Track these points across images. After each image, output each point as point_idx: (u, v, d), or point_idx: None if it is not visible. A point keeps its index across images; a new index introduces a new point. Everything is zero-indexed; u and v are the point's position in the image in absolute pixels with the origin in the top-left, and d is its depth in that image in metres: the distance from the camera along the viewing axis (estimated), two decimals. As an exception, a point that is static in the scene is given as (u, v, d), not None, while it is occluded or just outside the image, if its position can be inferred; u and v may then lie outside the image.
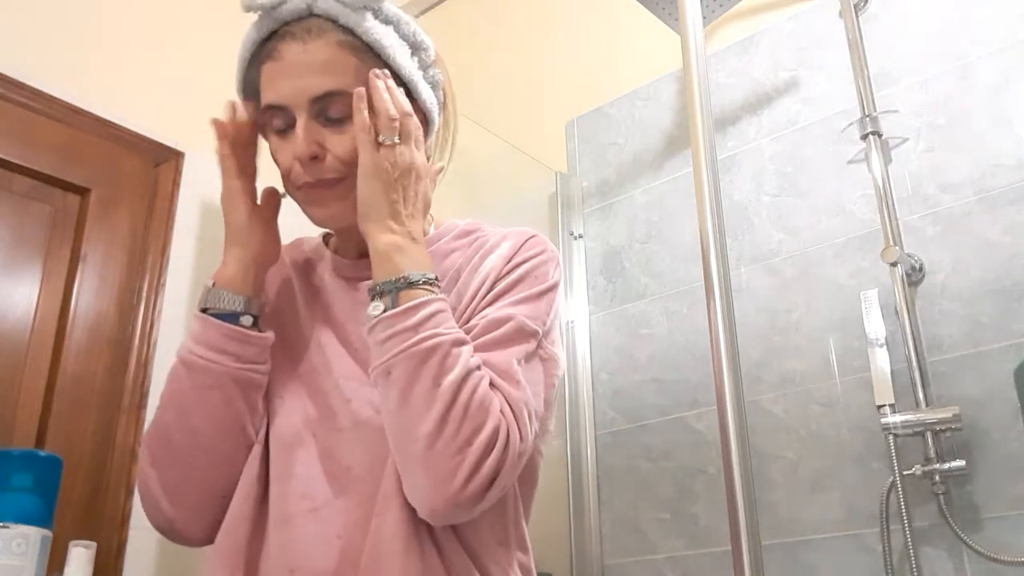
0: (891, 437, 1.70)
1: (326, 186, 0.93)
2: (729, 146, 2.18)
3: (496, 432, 0.81)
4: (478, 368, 0.84)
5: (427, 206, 0.97)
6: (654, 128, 2.36)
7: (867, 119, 1.93)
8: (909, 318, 1.77)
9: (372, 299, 0.86)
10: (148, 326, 1.91)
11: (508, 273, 0.95)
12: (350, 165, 0.91)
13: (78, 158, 1.90)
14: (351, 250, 1.03)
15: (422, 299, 0.84)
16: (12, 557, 1.08)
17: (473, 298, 0.93)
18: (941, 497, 1.65)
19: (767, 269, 2.04)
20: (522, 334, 0.90)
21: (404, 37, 0.98)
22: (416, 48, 0.99)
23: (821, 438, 1.85)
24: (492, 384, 0.84)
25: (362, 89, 0.90)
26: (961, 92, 1.88)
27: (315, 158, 0.91)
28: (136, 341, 1.88)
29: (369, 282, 0.88)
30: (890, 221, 1.85)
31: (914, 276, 1.82)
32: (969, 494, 1.65)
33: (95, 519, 1.72)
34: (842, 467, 1.81)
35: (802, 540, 1.81)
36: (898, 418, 1.68)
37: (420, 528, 0.84)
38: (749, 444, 1.36)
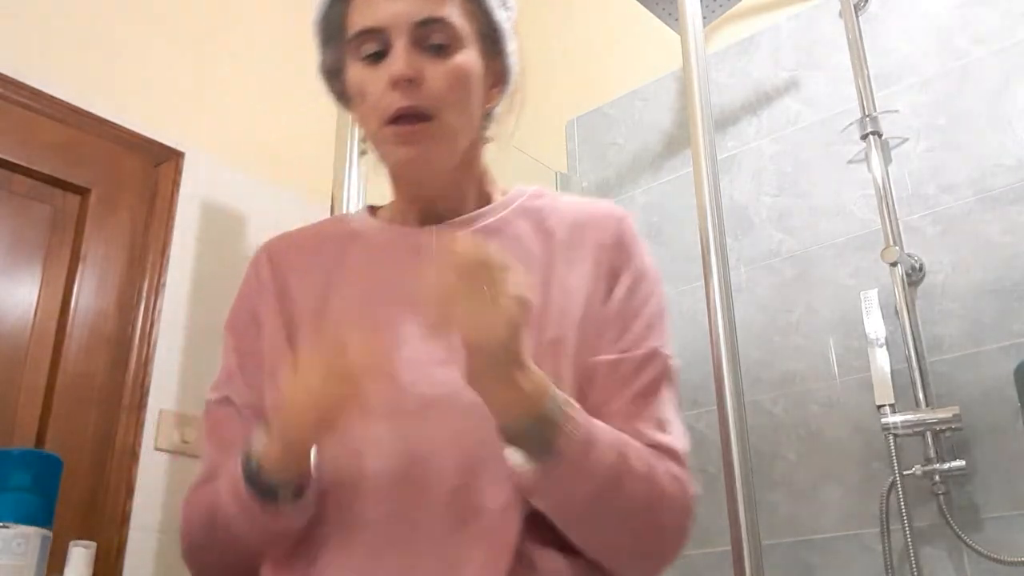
0: (891, 437, 1.70)
1: (417, 119, 0.86)
2: (729, 146, 2.18)
3: (684, 511, 0.83)
4: (648, 468, 0.81)
5: None
6: (654, 128, 2.36)
7: (867, 119, 1.93)
8: (909, 318, 1.77)
9: (516, 446, 0.77)
10: (148, 326, 1.91)
11: (626, 266, 0.92)
12: (445, 101, 0.87)
13: (78, 158, 1.90)
14: (412, 217, 0.96)
15: (577, 439, 0.76)
16: (12, 557, 1.08)
17: (597, 297, 0.89)
18: (941, 497, 1.65)
19: (767, 269, 2.04)
20: (667, 372, 0.88)
21: None
22: (504, 5, 0.96)
23: (821, 438, 1.85)
24: (655, 446, 0.83)
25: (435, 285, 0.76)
26: (961, 92, 1.88)
27: (412, 81, 0.85)
28: (136, 341, 1.89)
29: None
30: (890, 221, 1.85)
31: (914, 276, 1.82)
32: (969, 494, 1.65)
33: (95, 519, 1.72)
34: (842, 467, 1.80)
35: (802, 540, 1.81)
36: (898, 418, 1.68)
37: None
38: (749, 444, 1.36)
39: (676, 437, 0.86)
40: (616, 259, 0.92)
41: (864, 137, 1.93)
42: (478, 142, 0.97)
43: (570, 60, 2.58)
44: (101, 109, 1.95)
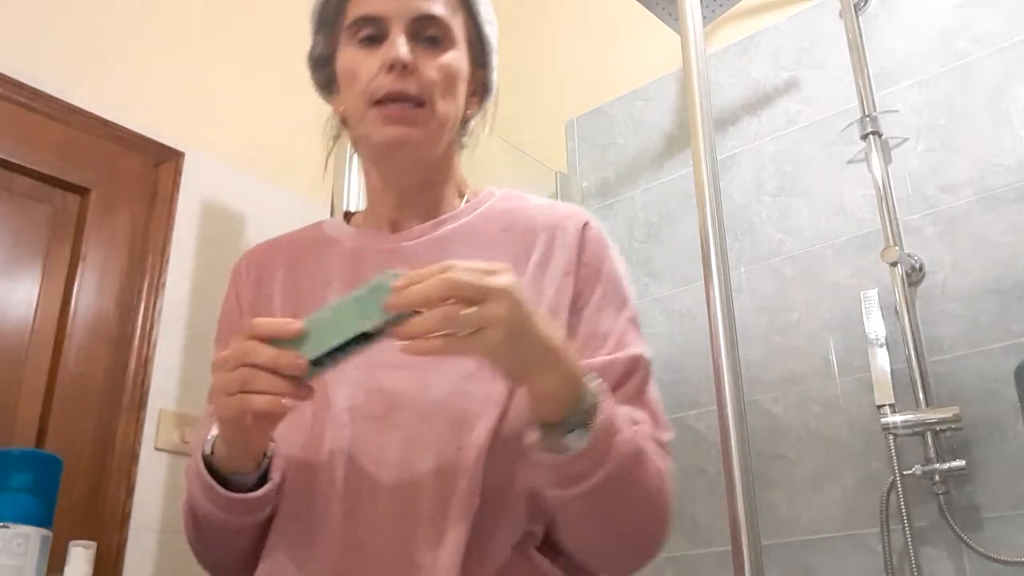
0: (891, 437, 1.70)
1: (407, 102, 0.89)
2: (729, 146, 2.18)
3: (672, 503, 0.84)
4: (651, 452, 0.82)
5: None
6: (654, 128, 2.36)
7: (867, 119, 1.93)
8: (909, 318, 1.77)
9: (555, 433, 0.76)
10: (148, 326, 1.91)
11: (598, 274, 0.92)
12: (436, 91, 0.90)
13: (78, 158, 1.90)
14: (384, 221, 0.98)
15: (607, 416, 0.76)
16: (12, 557, 1.08)
17: (572, 306, 0.89)
18: (941, 497, 1.65)
19: (767, 269, 2.04)
20: (650, 373, 0.90)
21: None
22: (491, 21, 1.00)
23: (821, 438, 1.85)
24: (655, 440, 0.85)
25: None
26: (961, 92, 1.88)
27: (407, 67, 0.89)
28: (136, 341, 1.89)
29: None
30: (890, 221, 1.85)
31: (914, 276, 1.82)
32: (969, 494, 1.65)
33: (95, 519, 1.72)
34: (842, 467, 1.80)
35: (802, 540, 1.81)
36: (898, 418, 1.68)
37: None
38: (749, 444, 1.36)
39: (666, 431, 0.88)
40: (587, 268, 0.93)
41: (864, 137, 1.93)
42: (454, 145, 0.99)
43: (570, 60, 2.58)
44: (101, 109, 1.95)
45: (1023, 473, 1.61)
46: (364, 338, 0.71)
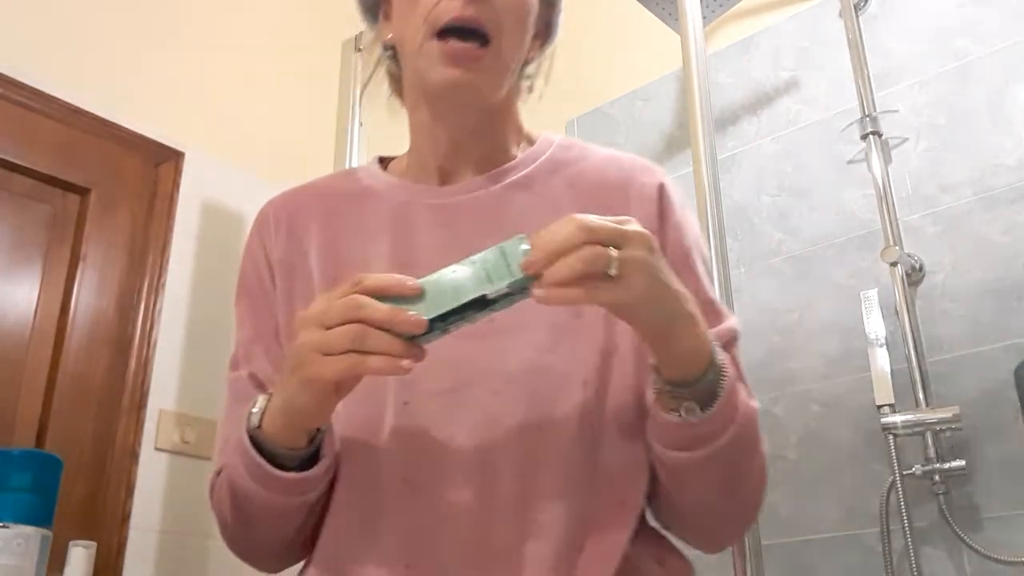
0: (891, 437, 1.70)
1: (472, 40, 0.81)
2: (729, 146, 2.18)
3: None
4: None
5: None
6: (654, 128, 2.36)
7: (867, 119, 1.93)
8: (909, 318, 1.77)
9: (687, 394, 0.71)
10: (148, 326, 1.91)
11: (686, 238, 0.86)
12: (505, 26, 0.82)
13: (78, 158, 1.90)
14: (431, 173, 0.90)
15: (730, 385, 0.72)
16: (12, 557, 1.08)
17: None
18: (941, 497, 1.65)
19: (767, 269, 2.04)
20: (739, 342, 0.86)
21: None
22: None
23: (821, 438, 1.85)
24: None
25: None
26: (961, 92, 1.88)
27: None
28: (136, 341, 1.89)
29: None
30: (890, 221, 1.85)
31: (914, 276, 1.82)
32: (969, 494, 1.65)
33: (95, 519, 1.72)
34: (842, 467, 1.80)
35: (802, 540, 1.81)
36: (898, 418, 1.68)
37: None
38: (749, 444, 1.36)
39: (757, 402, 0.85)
40: (677, 232, 0.86)
41: (864, 137, 1.93)
42: (514, 89, 0.91)
43: (570, 60, 2.57)
44: (101, 109, 1.95)
45: (1023, 473, 1.61)
46: (482, 304, 0.65)
